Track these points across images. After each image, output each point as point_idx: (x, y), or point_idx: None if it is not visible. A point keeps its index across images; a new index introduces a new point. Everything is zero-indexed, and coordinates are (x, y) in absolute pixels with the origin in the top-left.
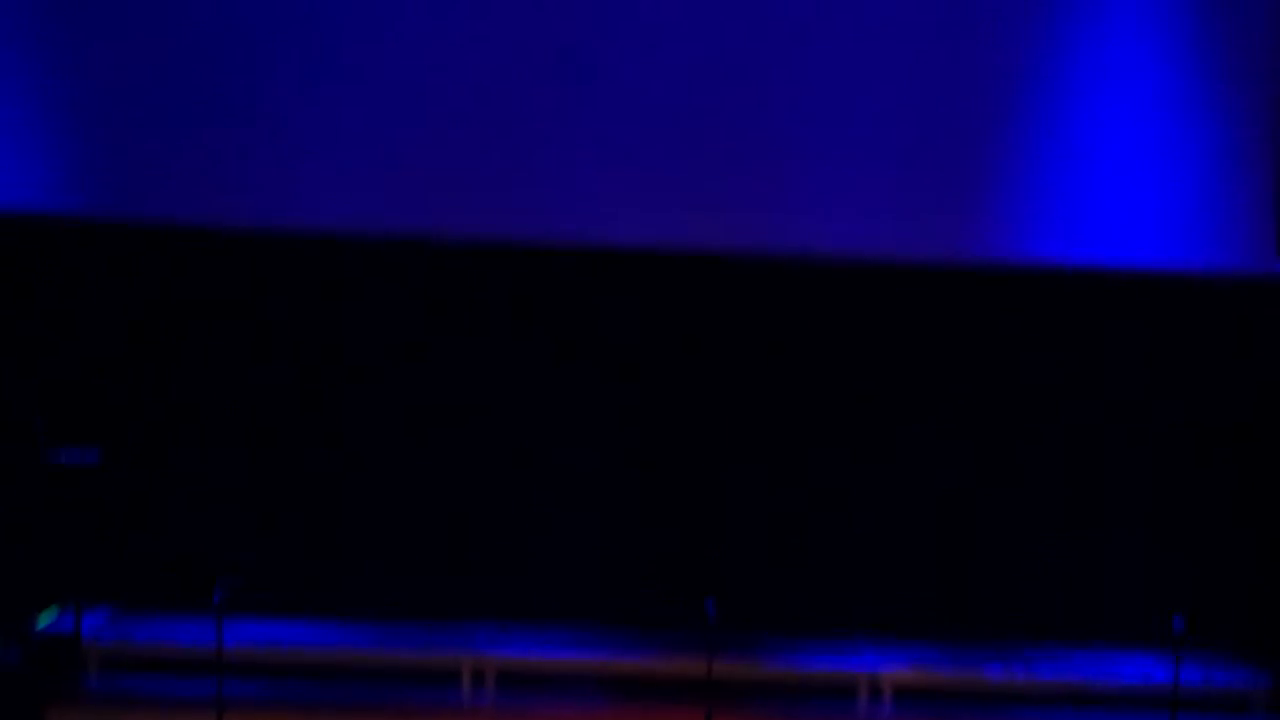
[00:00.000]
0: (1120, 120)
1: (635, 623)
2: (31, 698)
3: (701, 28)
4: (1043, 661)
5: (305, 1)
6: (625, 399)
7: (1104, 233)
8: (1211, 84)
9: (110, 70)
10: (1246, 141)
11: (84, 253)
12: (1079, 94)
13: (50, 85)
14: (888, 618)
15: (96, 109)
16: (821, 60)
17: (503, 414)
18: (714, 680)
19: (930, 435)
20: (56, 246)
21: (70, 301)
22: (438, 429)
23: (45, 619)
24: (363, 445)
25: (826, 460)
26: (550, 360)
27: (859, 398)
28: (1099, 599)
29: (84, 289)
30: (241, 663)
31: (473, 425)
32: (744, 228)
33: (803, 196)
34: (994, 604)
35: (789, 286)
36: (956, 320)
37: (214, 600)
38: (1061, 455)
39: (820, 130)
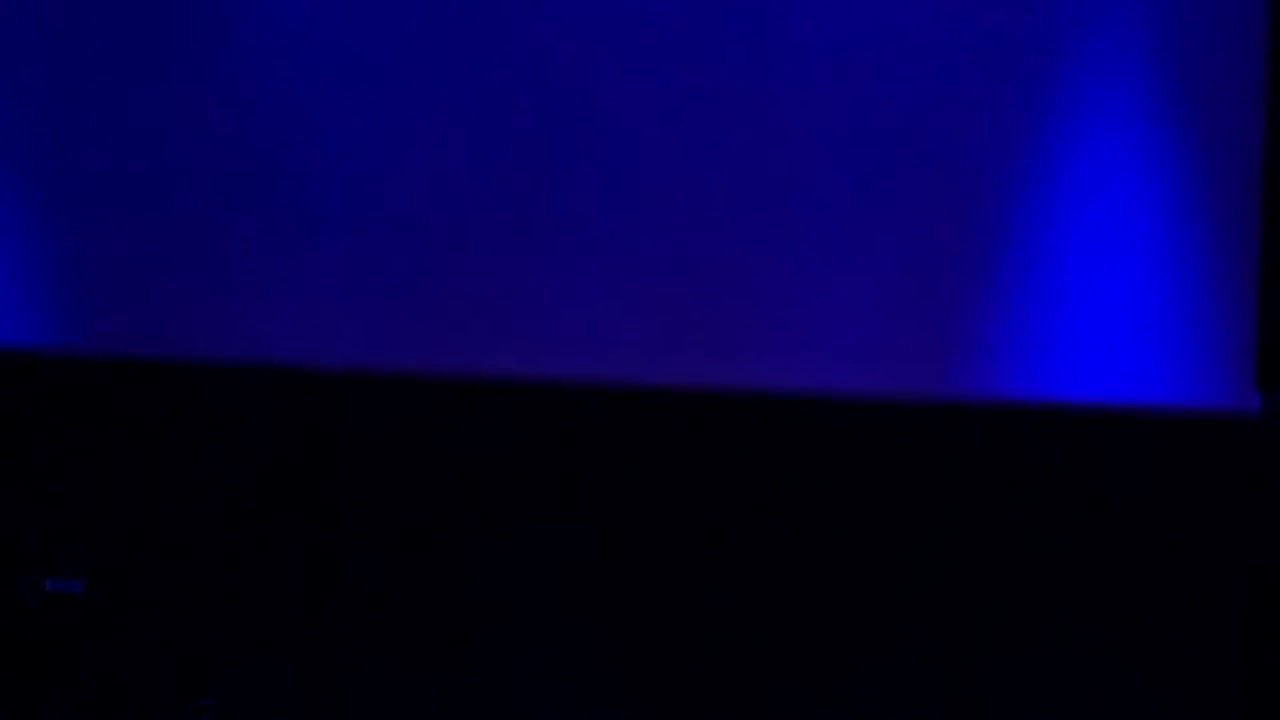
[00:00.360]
0: (1098, 251)
1: None
2: None
3: (695, 171)
4: None
5: (295, 136)
6: (605, 535)
7: (1080, 367)
8: (1190, 216)
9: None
10: (1226, 273)
11: (71, 386)
12: (1058, 235)
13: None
14: None
15: (85, 244)
16: (810, 205)
17: (490, 550)
18: None
19: (912, 569)
20: (44, 380)
21: (58, 434)
22: (426, 564)
23: None
24: (348, 576)
25: (809, 589)
26: (530, 494)
27: (845, 531)
28: None
29: (73, 422)
30: None
31: (459, 563)
32: (733, 368)
33: (786, 337)
34: None
35: (779, 423)
36: (933, 457)
37: None
38: (1035, 588)
39: (806, 273)
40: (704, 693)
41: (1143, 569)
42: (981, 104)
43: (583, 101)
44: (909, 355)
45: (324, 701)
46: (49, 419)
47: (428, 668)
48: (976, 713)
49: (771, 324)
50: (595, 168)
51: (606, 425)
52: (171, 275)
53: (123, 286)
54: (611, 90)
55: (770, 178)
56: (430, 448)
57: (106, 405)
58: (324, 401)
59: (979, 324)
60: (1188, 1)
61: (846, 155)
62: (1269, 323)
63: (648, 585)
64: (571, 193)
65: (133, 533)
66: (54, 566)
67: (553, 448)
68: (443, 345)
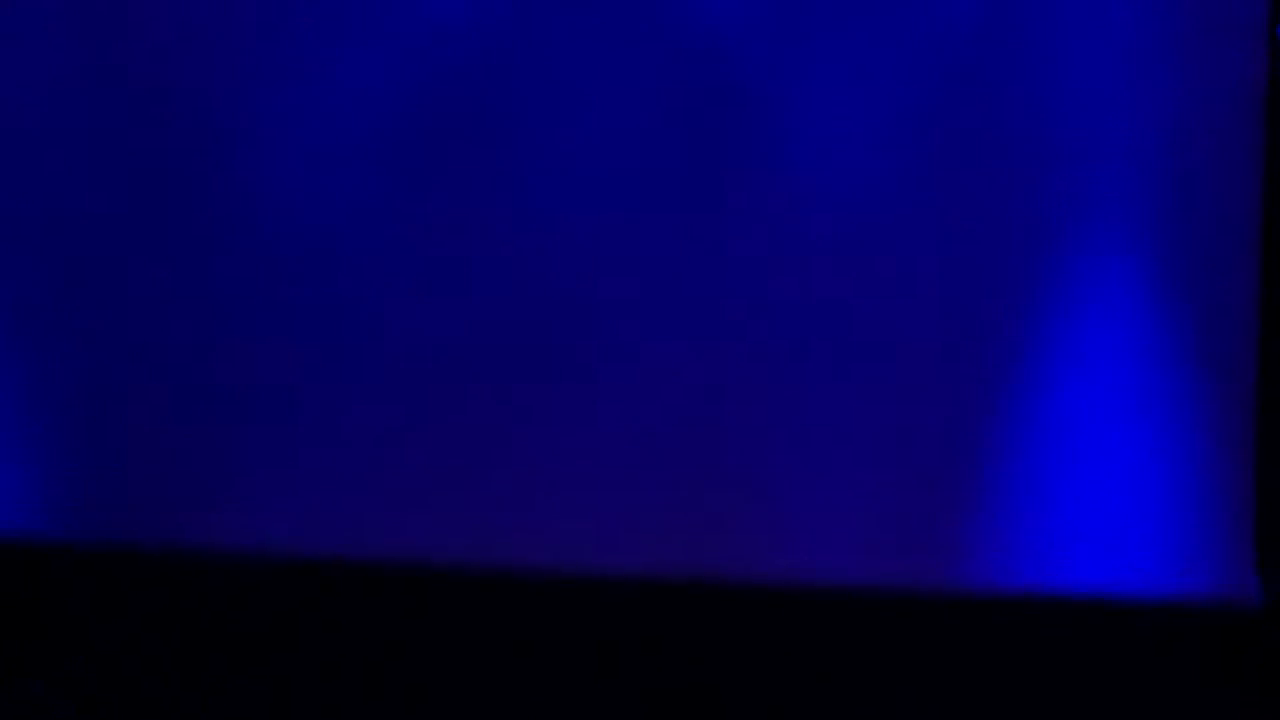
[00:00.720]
0: (1092, 439)
1: None
2: None
3: (690, 357)
4: None
5: (279, 323)
6: None
7: (1075, 555)
8: (1185, 398)
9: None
10: (1223, 460)
11: (66, 578)
12: (1052, 418)
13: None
14: None
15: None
16: (806, 392)
17: None
18: None
19: None
20: (40, 571)
21: (57, 627)
22: None
23: None
24: None
25: None
26: (520, 691)
27: None
28: None
29: (69, 614)
30: None
31: None
32: (730, 556)
33: (781, 529)
34: None
35: (779, 615)
36: (929, 650)
37: None
38: None
39: (801, 464)
40: None
41: None
42: (978, 284)
43: (575, 283)
44: (904, 548)
45: None
46: (44, 610)
47: None
48: None
49: (765, 516)
50: (587, 354)
51: (595, 617)
52: (161, 466)
53: (109, 478)
54: (605, 272)
55: (766, 364)
56: (416, 640)
57: (97, 597)
58: (311, 592)
59: (974, 514)
60: (1185, 179)
61: (845, 339)
62: (1266, 507)
63: None
64: (562, 379)
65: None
66: None
67: (541, 640)
68: (423, 533)
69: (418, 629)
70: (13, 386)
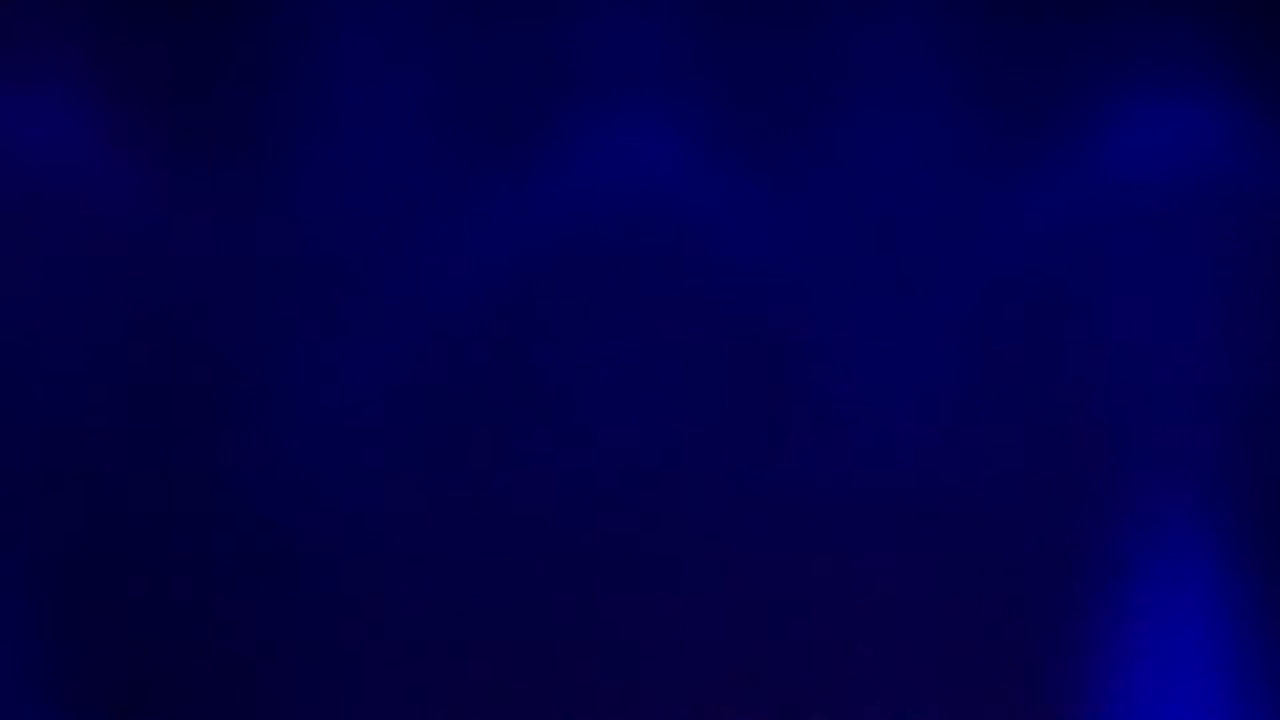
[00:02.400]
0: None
1: None
2: None
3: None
4: None
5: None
6: None
7: None
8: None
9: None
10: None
11: None
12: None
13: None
14: None
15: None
16: (856, 627)
17: None
18: None
19: None
20: None
21: None
22: None
23: None
24: None
25: None
26: None
27: None
28: None
29: None
30: None
31: None
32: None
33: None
34: None
35: None
36: None
37: None
38: None
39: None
40: None
41: None
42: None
43: (622, 519)
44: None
45: None
46: None
47: None
48: None
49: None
50: (629, 591)
51: None
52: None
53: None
54: (645, 504)
55: (814, 596)
56: None
57: None
58: None
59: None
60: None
61: (895, 599)
62: None
63: None
64: (609, 612)
65: None
66: None
67: None
68: None
69: None
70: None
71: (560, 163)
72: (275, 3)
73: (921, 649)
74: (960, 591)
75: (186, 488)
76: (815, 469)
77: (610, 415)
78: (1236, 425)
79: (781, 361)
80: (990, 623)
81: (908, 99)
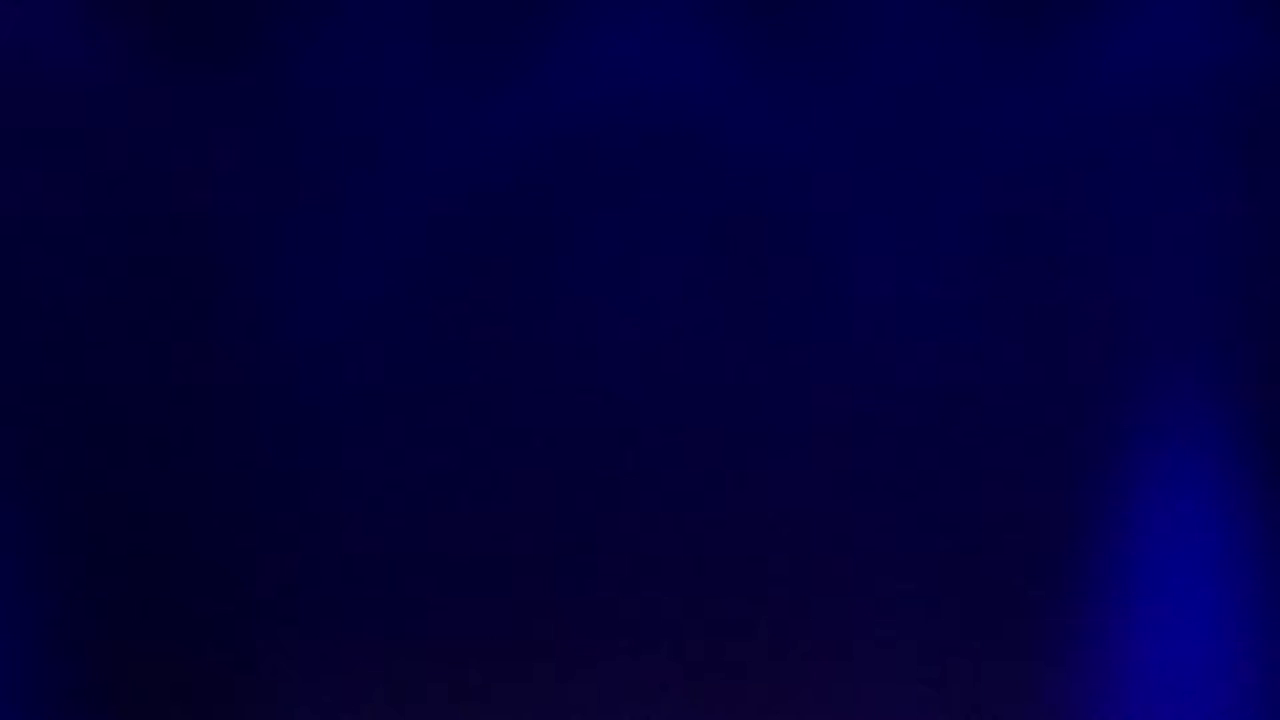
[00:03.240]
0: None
1: None
2: None
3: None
4: None
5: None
6: None
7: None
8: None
9: None
10: None
11: None
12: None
13: None
14: None
15: None
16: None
17: None
18: None
19: None
20: None
21: None
22: None
23: None
24: None
25: None
26: None
27: None
28: None
29: None
30: None
31: None
32: None
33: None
34: None
35: None
36: None
37: None
38: None
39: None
40: None
41: None
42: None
43: (628, 414)
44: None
45: None
46: None
47: None
48: None
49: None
50: (634, 489)
51: None
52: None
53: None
54: (650, 401)
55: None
56: None
57: None
58: None
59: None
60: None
61: (904, 473)
62: None
63: None
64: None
65: None
66: None
67: None
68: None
69: None
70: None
71: (568, 57)
72: None
73: (928, 542)
74: (967, 484)
75: (183, 399)
76: (822, 366)
77: (616, 309)
78: (1242, 313)
79: (789, 258)
80: (996, 518)
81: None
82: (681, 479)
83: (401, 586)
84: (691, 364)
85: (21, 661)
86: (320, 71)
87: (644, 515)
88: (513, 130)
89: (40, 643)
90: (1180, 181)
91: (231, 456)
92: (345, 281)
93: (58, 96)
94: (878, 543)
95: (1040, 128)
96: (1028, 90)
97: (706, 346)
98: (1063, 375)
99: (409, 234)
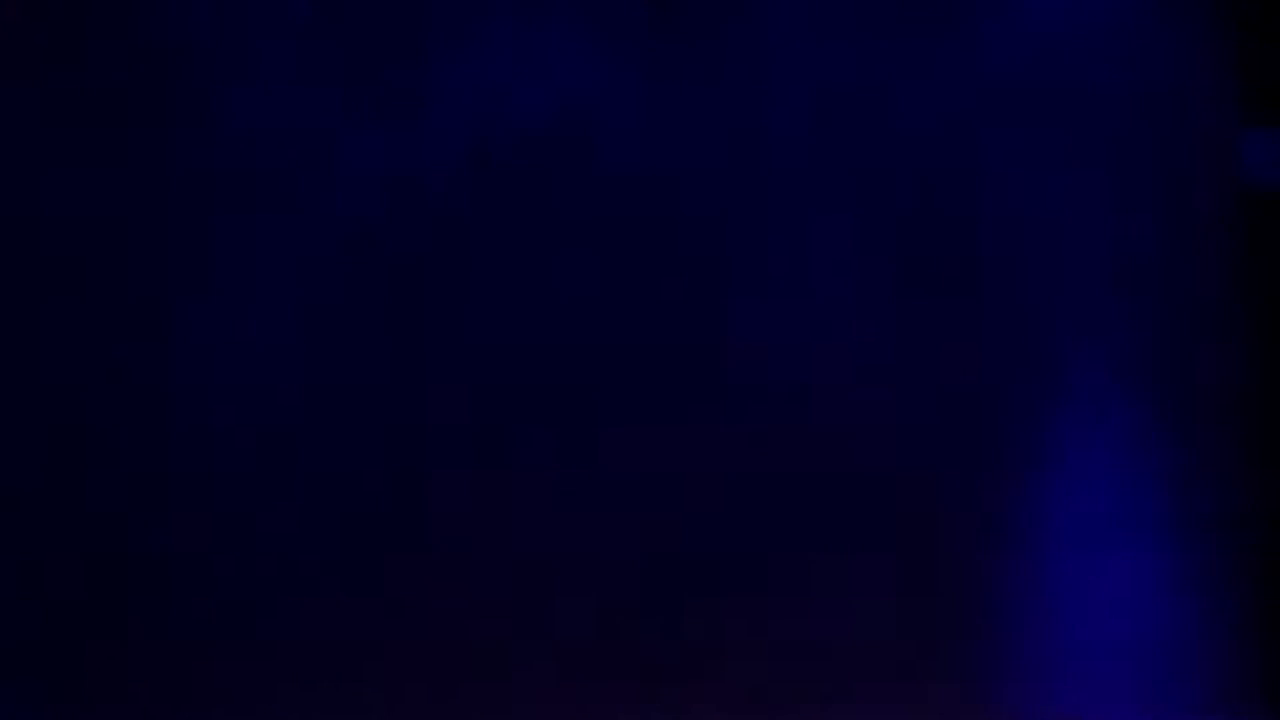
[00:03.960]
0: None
1: None
2: None
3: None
4: None
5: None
6: None
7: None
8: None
9: None
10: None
11: None
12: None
13: None
14: None
15: None
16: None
17: None
18: None
19: None
20: None
21: None
22: None
23: None
24: None
25: None
26: None
27: None
28: None
29: None
30: None
31: None
32: None
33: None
34: None
35: None
36: None
37: None
38: None
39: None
40: None
41: None
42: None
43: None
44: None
45: None
46: None
47: None
48: None
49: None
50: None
51: None
52: None
53: None
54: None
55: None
56: None
57: None
58: None
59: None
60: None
61: (838, 472)
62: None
63: None
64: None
65: None
66: None
67: None
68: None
69: None
70: None
71: (472, 69)
72: None
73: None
74: (894, 450)
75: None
76: (743, 346)
77: (526, 312)
78: (1143, 289)
79: (696, 245)
80: (923, 476)
81: None
82: (596, 482)
83: (325, 598)
84: (600, 366)
85: None
86: (231, 97)
87: (540, 518)
88: (416, 141)
89: None
90: (1084, 169)
91: (145, 500)
92: (259, 291)
93: None
94: (791, 534)
95: (944, 121)
96: (929, 78)
97: (612, 351)
98: (973, 349)
99: (319, 249)
